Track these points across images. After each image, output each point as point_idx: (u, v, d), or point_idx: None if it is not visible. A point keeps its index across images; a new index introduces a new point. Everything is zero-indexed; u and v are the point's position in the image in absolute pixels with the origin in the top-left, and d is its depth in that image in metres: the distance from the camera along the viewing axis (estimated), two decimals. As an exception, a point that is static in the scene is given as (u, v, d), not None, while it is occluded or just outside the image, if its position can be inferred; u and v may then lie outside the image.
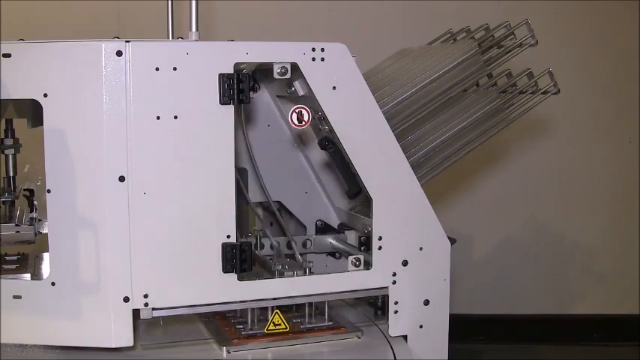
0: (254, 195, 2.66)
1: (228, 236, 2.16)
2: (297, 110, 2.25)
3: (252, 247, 2.17)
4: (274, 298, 2.27)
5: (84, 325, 2.12)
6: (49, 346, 2.24)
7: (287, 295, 2.27)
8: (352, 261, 2.36)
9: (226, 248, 2.15)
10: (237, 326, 2.38)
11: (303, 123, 2.27)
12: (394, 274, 2.35)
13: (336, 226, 2.73)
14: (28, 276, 2.28)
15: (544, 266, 4.94)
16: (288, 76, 2.19)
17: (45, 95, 2.05)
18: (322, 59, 2.19)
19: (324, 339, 2.37)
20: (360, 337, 2.40)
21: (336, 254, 2.72)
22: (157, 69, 2.07)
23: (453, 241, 2.42)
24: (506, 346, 4.57)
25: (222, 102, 2.11)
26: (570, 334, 4.82)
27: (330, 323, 2.42)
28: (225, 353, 2.27)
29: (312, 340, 2.35)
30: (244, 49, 2.14)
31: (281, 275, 2.27)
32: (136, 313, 2.13)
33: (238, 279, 2.18)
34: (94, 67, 2.03)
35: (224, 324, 2.43)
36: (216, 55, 2.11)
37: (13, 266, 2.38)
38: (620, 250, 4.97)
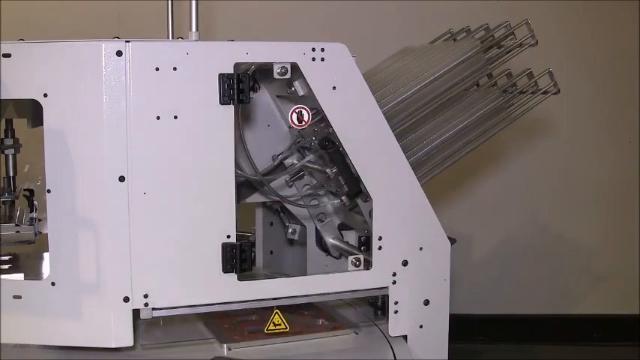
0: (255, 195, 2.66)
1: (228, 236, 2.16)
2: (297, 110, 2.25)
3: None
4: (274, 298, 2.27)
5: (84, 325, 2.12)
6: (49, 346, 2.24)
7: (287, 295, 2.27)
8: (352, 261, 2.36)
9: (226, 248, 2.15)
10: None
11: (303, 123, 2.27)
12: (394, 274, 2.35)
13: (336, 226, 2.73)
14: (28, 276, 2.28)
15: (544, 266, 4.94)
16: (288, 76, 2.19)
17: (45, 95, 2.05)
18: (322, 59, 2.19)
19: (322, 336, 2.36)
20: (357, 333, 2.40)
21: (336, 254, 2.72)
22: (157, 69, 2.07)
23: (453, 241, 2.42)
24: (506, 346, 4.57)
25: (222, 102, 2.11)
26: (570, 334, 4.82)
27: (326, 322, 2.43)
28: (226, 350, 2.27)
29: (309, 337, 2.35)
30: (244, 49, 2.14)
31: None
32: (136, 313, 2.13)
33: (238, 279, 2.18)
34: (94, 67, 2.03)
35: (223, 322, 2.44)
36: (216, 55, 2.11)
37: (6, 266, 2.38)
38: (620, 250, 4.97)
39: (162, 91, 2.08)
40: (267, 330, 2.34)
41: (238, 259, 2.16)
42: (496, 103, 2.67)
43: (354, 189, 2.37)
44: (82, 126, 2.06)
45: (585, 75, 4.78)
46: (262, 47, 2.16)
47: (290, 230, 2.79)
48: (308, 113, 2.26)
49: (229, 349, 2.26)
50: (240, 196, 2.51)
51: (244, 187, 2.57)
